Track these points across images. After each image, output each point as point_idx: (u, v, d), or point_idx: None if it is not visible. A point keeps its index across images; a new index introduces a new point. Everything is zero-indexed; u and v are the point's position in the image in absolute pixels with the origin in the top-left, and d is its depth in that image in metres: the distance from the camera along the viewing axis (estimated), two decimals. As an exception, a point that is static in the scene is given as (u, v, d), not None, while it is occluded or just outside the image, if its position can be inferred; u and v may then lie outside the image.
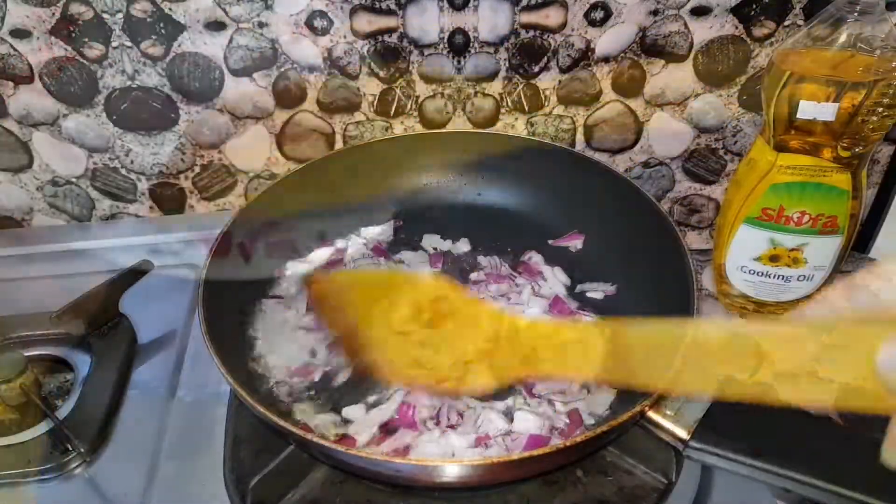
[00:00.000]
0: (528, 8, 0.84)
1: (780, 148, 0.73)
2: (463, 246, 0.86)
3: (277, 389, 0.69)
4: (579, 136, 0.95)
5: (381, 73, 0.89)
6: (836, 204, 0.73)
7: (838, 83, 0.67)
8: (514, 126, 0.94)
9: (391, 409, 0.65)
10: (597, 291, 0.80)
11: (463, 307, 0.43)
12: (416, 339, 0.46)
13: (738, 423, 0.58)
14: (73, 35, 0.84)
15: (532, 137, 0.94)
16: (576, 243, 0.85)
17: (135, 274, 0.78)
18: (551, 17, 0.85)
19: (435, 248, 0.85)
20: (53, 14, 0.83)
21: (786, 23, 0.85)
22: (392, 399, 0.66)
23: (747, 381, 0.33)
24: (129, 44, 0.85)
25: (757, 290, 0.82)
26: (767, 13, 0.85)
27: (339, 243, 0.85)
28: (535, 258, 0.83)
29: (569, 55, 0.88)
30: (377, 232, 0.87)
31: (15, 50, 0.85)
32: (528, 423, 0.63)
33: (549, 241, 0.85)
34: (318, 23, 0.85)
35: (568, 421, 0.64)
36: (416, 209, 0.88)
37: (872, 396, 0.30)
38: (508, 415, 0.64)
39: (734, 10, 0.84)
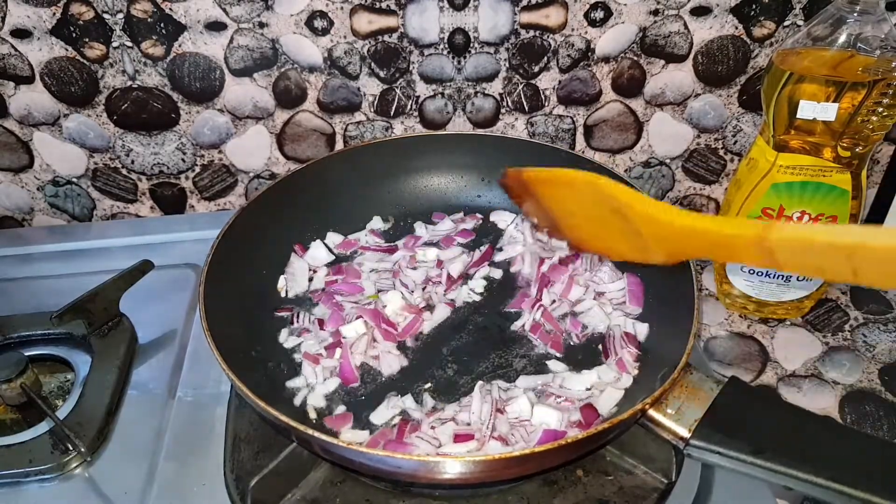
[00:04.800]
0: (529, 8, 0.84)
1: (781, 148, 0.73)
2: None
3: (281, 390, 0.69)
4: (579, 136, 0.95)
5: (381, 73, 0.89)
6: (837, 204, 0.73)
7: (838, 83, 0.67)
8: (514, 126, 0.94)
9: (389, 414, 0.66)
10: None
11: (638, 212, 0.50)
12: (601, 227, 0.54)
13: (739, 422, 0.58)
14: (74, 35, 0.84)
15: (532, 139, 0.94)
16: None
17: (135, 274, 0.78)
18: (551, 17, 0.85)
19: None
20: (54, 14, 0.83)
21: (786, 23, 0.85)
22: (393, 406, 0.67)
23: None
24: (129, 44, 0.85)
25: (758, 290, 0.82)
26: (767, 13, 0.85)
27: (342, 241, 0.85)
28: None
29: (569, 55, 0.88)
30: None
31: (15, 50, 0.85)
32: (547, 416, 0.63)
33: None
34: (318, 23, 0.85)
35: (581, 416, 0.64)
36: (417, 210, 0.88)
37: None
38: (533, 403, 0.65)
39: (734, 10, 0.85)
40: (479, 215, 0.88)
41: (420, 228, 0.86)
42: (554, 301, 0.76)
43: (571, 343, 0.73)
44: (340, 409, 0.67)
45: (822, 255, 0.38)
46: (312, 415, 0.66)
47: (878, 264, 0.35)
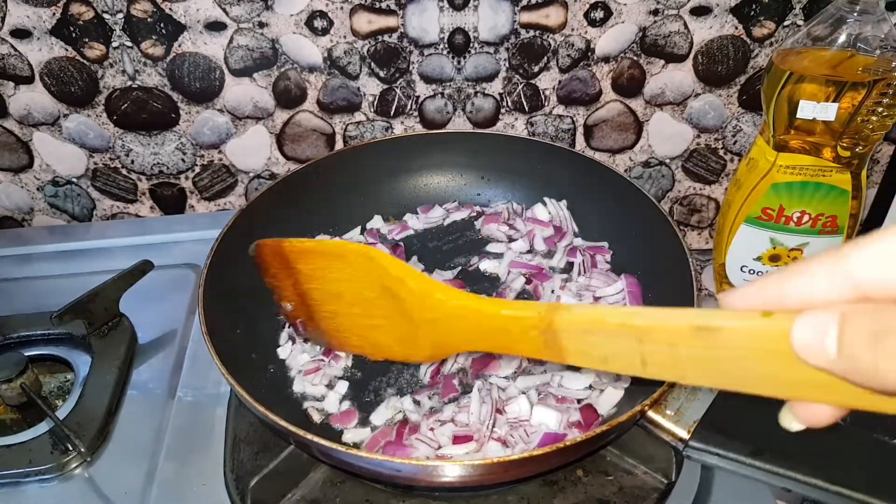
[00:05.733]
0: (528, 7, 0.84)
1: (781, 148, 0.73)
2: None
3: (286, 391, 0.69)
4: (579, 136, 0.95)
5: (381, 73, 0.89)
6: (837, 204, 0.73)
7: (838, 83, 0.67)
8: (514, 126, 0.94)
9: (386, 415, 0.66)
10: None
11: (411, 289, 0.45)
12: (364, 315, 0.50)
13: (739, 423, 0.58)
14: (73, 35, 0.84)
15: (532, 137, 0.94)
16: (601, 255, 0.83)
17: (135, 274, 0.78)
18: (551, 16, 0.85)
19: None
20: (53, 14, 0.83)
21: (786, 23, 0.85)
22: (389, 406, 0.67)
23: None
24: (129, 44, 0.85)
25: (757, 290, 0.81)
26: (767, 13, 0.85)
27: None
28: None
29: (569, 55, 0.88)
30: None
31: (15, 50, 0.85)
32: (547, 416, 0.63)
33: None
34: (318, 23, 0.85)
35: (580, 417, 0.64)
36: (416, 209, 0.89)
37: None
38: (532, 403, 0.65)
39: (734, 10, 0.84)
40: (477, 207, 0.88)
41: (412, 220, 0.87)
42: None
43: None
44: (345, 405, 0.67)
45: (612, 339, 0.34)
46: (316, 417, 0.66)
47: (667, 348, 0.31)
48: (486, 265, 0.81)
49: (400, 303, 0.46)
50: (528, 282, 0.79)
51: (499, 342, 0.41)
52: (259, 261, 0.56)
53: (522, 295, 0.78)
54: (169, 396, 0.73)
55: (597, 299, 0.76)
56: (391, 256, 0.47)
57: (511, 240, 0.83)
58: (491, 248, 0.83)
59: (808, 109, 0.68)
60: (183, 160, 0.96)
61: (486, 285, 0.80)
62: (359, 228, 0.87)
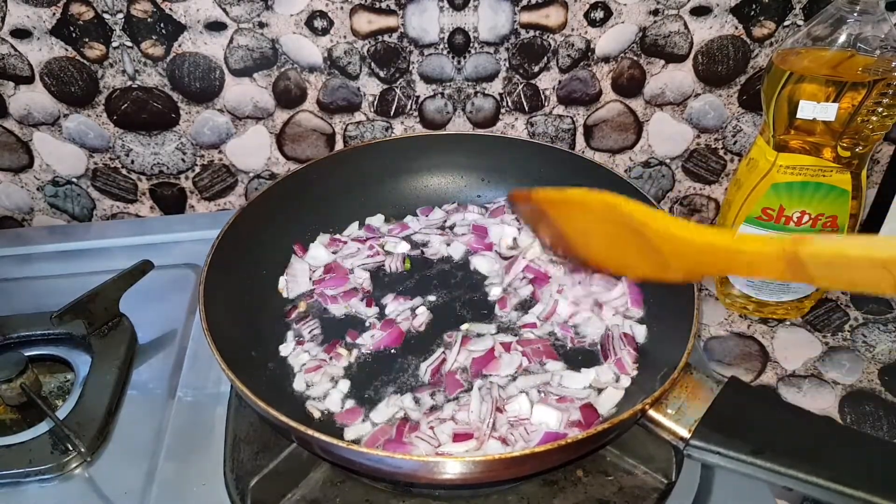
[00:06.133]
0: (528, 7, 0.84)
1: (781, 148, 0.73)
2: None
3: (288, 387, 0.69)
4: (579, 136, 0.95)
5: (381, 73, 0.89)
6: (837, 204, 0.73)
7: (838, 83, 0.67)
8: (514, 126, 0.94)
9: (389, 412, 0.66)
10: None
11: (655, 231, 0.49)
12: (614, 247, 0.54)
13: (739, 422, 0.58)
14: (74, 35, 0.84)
15: (533, 139, 0.94)
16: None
17: (135, 274, 0.78)
18: (551, 16, 0.85)
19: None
20: (53, 14, 0.83)
21: (786, 23, 0.85)
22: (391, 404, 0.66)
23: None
24: (129, 44, 0.85)
25: (758, 290, 0.82)
26: (767, 13, 0.85)
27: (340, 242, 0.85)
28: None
29: (569, 55, 0.88)
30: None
31: (15, 50, 0.85)
32: (547, 416, 0.63)
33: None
34: (318, 23, 0.85)
35: (581, 416, 0.64)
36: (416, 210, 0.89)
37: None
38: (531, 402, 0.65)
39: (734, 10, 0.85)
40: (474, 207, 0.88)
41: (412, 222, 0.87)
42: (535, 323, 0.74)
43: (567, 348, 0.72)
44: (349, 403, 0.67)
45: (857, 268, 0.37)
46: (317, 415, 0.66)
47: None
48: (477, 262, 0.82)
49: (647, 240, 0.50)
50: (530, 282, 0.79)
51: (746, 270, 0.47)
52: (512, 207, 0.62)
53: (527, 299, 0.78)
54: (169, 396, 0.73)
55: (599, 305, 0.76)
56: (632, 201, 0.51)
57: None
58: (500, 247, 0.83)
59: (808, 109, 0.68)
60: (183, 160, 0.96)
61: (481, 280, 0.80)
62: (356, 224, 0.87)
